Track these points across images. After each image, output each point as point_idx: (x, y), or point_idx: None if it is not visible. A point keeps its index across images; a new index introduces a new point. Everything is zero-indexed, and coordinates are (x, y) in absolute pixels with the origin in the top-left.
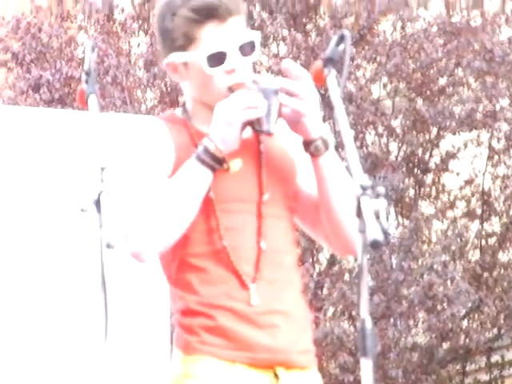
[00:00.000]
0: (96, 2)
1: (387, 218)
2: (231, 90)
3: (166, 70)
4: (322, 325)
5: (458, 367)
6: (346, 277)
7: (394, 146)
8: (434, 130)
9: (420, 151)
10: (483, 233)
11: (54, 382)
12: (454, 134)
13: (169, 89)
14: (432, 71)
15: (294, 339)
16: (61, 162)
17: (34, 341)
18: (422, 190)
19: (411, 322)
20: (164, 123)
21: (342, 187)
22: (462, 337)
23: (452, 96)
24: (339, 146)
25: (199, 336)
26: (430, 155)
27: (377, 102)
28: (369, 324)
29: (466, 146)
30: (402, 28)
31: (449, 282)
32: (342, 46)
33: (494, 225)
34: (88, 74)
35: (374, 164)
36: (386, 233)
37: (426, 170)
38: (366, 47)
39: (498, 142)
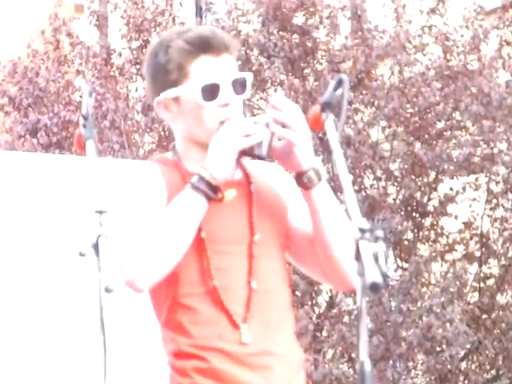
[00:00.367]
0: (93, 47)
1: (386, 261)
2: (223, 124)
3: (156, 110)
4: (320, 366)
5: None
6: (346, 319)
7: (392, 190)
8: (433, 174)
9: (418, 194)
10: (482, 275)
11: None
12: (452, 177)
13: (167, 133)
14: (430, 115)
15: (288, 381)
16: (59, 206)
17: None
18: (421, 233)
19: (410, 364)
20: (157, 165)
21: (336, 219)
22: (461, 378)
23: (450, 140)
24: (337, 190)
25: (192, 378)
26: (429, 198)
27: (375, 146)
28: (368, 366)
29: (464, 189)
30: (400, 72)
31: (448, 324)
32: (339, 91)
33: (493, 267)
34: (86, 118)
35: (371, 207)
36: (384, 276)
37: (424, 214)
38: (364, 91)
39: (496, 185)
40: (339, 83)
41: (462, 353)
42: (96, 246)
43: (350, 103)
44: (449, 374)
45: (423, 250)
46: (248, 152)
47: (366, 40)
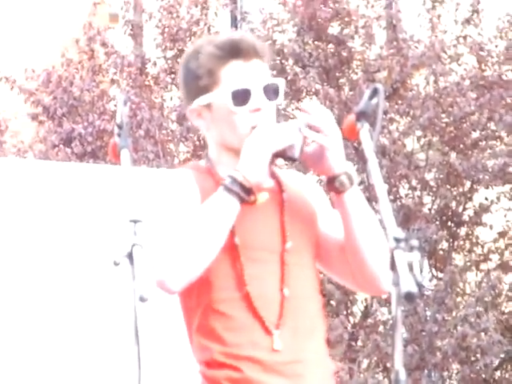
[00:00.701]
0: (128, 56)
1: (421, 271)
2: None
3: (190, 118)
4: (355, 376)
5: None
6: (381, 328)
7: (427, 199)
8: (468, 184)
9: (454, 204)
10: None
11: None
12: (487, 187)
13: (202, 142)
14: (465, 125)
15: None
16: (93, 216)
17: None
18: (456, 242)
19: (445, 373)
20: (191, 171)
21: (367, 223)
22: None
23: (485, 150)
24: (373, 199)
25: None
26: (464, 208)
27: (410, 156)
28: (403, 375)
29: (498, 199)
30: (435, 82)
31: (482, 334)
32: (375, 100)
33: None
34: (120, 127)
35: (407, 216)
36: (419, 285)
37: (459, 223)
38: (399, 101)
39: None
40: (374, 93)
41: (497, 362)
42: (130, 256)
43: (385, 113)
44: (483, 383)
45: (458, 259)
46: (280, 154)
47: (401, 50)
